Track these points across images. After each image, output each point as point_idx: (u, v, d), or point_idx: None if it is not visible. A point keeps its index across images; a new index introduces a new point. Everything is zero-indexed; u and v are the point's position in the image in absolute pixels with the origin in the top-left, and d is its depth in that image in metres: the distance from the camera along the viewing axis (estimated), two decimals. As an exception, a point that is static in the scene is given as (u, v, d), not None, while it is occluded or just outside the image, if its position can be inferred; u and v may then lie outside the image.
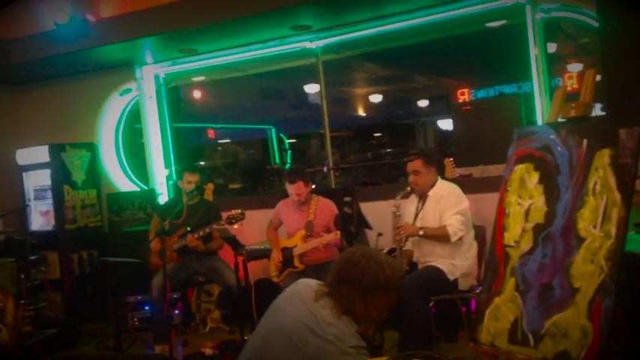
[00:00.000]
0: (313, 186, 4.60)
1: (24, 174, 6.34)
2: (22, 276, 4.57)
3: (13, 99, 7.03)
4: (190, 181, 4.83)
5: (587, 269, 2.11)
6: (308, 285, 2.16)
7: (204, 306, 5.40)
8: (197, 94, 8.75)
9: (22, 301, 4.19)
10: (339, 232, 3.97)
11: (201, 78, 7.15)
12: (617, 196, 2.11)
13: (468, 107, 8.86)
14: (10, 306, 3.62)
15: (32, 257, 5.64)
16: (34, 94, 7.01)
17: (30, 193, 6.37)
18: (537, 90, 4.90)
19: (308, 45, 5.81)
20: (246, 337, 4.23)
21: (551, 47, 5.54)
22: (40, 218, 6.35)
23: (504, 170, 2.80)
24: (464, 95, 10.21)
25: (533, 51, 4.86)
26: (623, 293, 2.01)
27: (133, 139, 6.94)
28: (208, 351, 4.50)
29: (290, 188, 4.39)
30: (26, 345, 4.11)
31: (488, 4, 5.07)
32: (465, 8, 5.14)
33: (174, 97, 6.94)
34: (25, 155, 6.29)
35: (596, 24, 4.55)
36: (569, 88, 7.36)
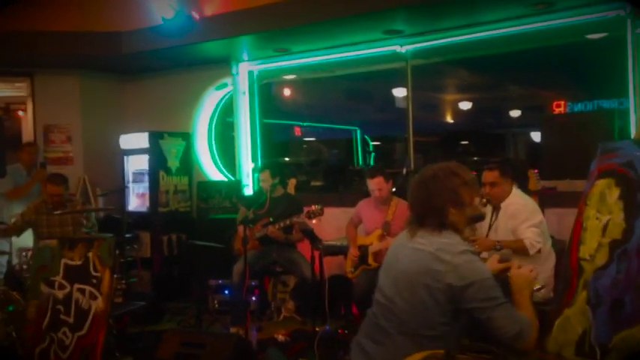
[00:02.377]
0: (394, 189, 4.67)
1: (125, 158, 6.82)
2: (117, 252, 4.96)
3: (121, 88, 7.56)
4: (263, 179, 5.05)
5: (662, 288, 2.09)
6: (400, 236, 2.28)
7: (279, 295, 5.60)
8: (287, 91, 9.01)
9: (116, 275, 4.54)
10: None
11: (292, 77, 7.37)
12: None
13: (561, 119, 8.60)
14: (106, 277, 3.93)
15: (127, 235, 6.05)
16: (138, 84, 7.50)
17: (129, 175, 6.85)
18: (632, 106, 4.74)
19: (398, 49, 5.88)
20: (317, 329, 4.40)
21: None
22: (137, 200, 6.81)
23: (585, 184, 2.78)
24: (559, 107, 9.88)
25: (631, 65, 4.70)
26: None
27: (224, 132, 7.27)
28: (281, 337, 4.69)
29: (370, 183, 4.49)
30: (117, 314, 4.48)
31: (587, 15, 4.96)
32: (564, 19, 5.05)
33: (266, 93, 7.19)
34: (127, 140, 6.75)
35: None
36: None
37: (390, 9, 4.98)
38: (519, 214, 3.84)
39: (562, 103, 9.92)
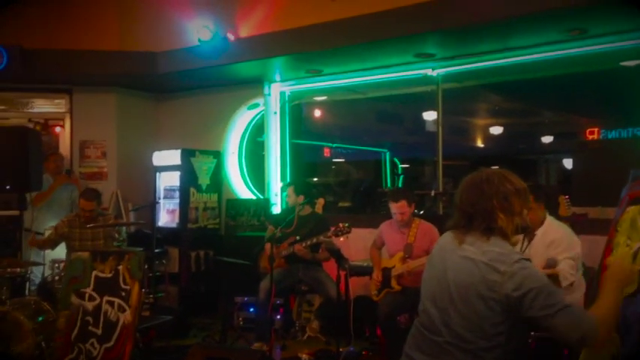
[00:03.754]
0: (421, 211, 4.67)
1: (157, 174, 6.95)
2: (146, 266, 5.04)
3: (155, 106, 7.74)
4: (288, 195, 5.12)
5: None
6: (445, 240, 2.22)
7: (304, 315, 5.60)
8: (317, 112, 9.09)
9: (144, 289, 4.61)
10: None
11: (323, 98, 7.44)
12: None
13: (594, 146, 8.48)
14: (135, 290, 3.99)
15: (157, 250, 6.14)
16: (172, 103, 7.67)
17: (160, 191, 6.97)
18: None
19: (429, 72, 5.91)
20: (341, 349, 4.39)
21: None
22: (167, 215, 6.91)
23: (616, 211, 2.75)
24: (593, 134, 9.75)
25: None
26: None
27: (254, 151, 7.36)
28: (305, 357, 4.68)
29: (393, 207, 4.50)
30: (143, 328, 4.53)
31: (622, 42, 4.93)
32: (598, 45, 5.02)
33: (297, 114, 7.26)
34: (160, 157, 6.88)
35: None
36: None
37: (421, 33, 5.02)
38: (559, 244, 3.73)
39: (596, 130, 9.79)
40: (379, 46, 5.37)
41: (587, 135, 9.92)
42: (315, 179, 9.97)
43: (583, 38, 5.00)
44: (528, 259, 2.03)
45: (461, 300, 2.02)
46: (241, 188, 7.26)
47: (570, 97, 9.37)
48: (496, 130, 12.48)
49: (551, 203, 4.19)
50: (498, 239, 2.06)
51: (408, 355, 2.19)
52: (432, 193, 4.39)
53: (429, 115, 9.68)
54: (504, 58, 5.48)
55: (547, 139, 13.24)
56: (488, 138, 12.71)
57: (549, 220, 3.90)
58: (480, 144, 12.79)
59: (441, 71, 5.88)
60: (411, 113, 10.45)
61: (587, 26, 4.79)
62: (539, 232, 3.84)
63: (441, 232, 4.25)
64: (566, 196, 4.57)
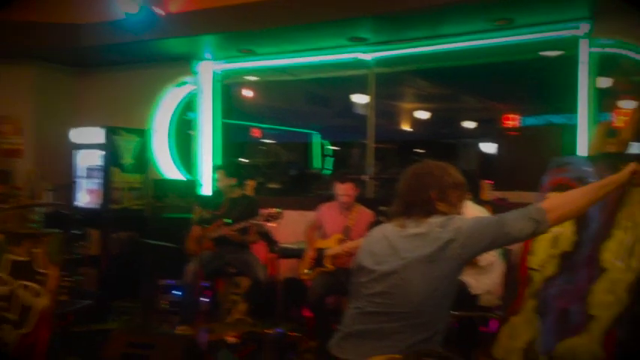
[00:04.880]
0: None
1: (77, 152, 6.64)
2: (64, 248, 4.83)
3: (77, 81, 7.36)
4: (219, 179, 5.03)
5: (606, 299, 2.17)
6: (384, 229, 2.31)
7: (231, 297, 5.55)
8: (248, 93, 8.97)
9: (62, 272, 4.42)
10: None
11: (255, 78, 7.34)
12: (645, 232, 2.16)
13: (514, 132, 8.85)
14: (53, 274, 3.83)
15: (75, 232, 5.90)
16: (95, 78, 7.32)
17: (80, 170, 6.67)
18: (582, 123, 4.91)
19: (362, 56, 5.93)
20: (268, 331, 4.39)
21: (606, 82, 5.54)
22: (88, 195, 6.62)
23: (537, 197, 2.87)
24: (512, 121, 10.16)
25: (584, 84, 4.87)
26: (638, 326, 2.05)
27: (182, 130, 7.18)
28: (231, 339, 4.64)
29: (340, 188, 4.53)
30: (61, 312, 4.36)
31: (544, 33, 5.12)
32: (522, 35, 5.20)
33: (227, 93, 7.13)
34: (79, 134, 6.57)
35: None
36: (620, 124, 7.29)
37: (355, 17, 5.02)
38: None
39: (514, 116, 10.24)
40: (312, 28, 5.34)
41: (506, 121, 10.36)
42: (245, 160, 9.86)
43: (508, 28, 5.17)
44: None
45: (420, 274, 2.09)
46: (168, 168, 7.06)
47: (492, 84, 9.72)
48: (422, 114, 12.79)
49: (473, 187, 4.34)
50: (439, 215, 2.19)
51: (346, 336, 2.20)
52: (367, 177, 4.43)
53: (359, 99, 9.79)
54: (435, 45, 5.57)
55: (469, 125, 13.70)
56: (415, 122, 13.00)
57: (468, 203, 4.05)
58: (406, 127, 13.06)
59: (374, 55, 5.91)
60: (342, 96, 10.51)
61: (513, 16, 4.94)
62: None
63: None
64: (489, 181, 4.75)
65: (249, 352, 4.40)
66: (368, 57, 5.93)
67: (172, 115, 7.09)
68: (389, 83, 8.72)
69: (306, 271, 4.63)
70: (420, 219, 2.17)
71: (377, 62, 5.98)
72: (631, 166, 2.03)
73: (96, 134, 6.42)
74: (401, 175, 2.31)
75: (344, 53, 5.98)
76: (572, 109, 5.23)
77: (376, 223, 3.93)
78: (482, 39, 5.35)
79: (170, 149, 7.11)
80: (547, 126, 9.73)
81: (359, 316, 2.21)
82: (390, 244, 2.21)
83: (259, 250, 4.97)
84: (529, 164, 5.61)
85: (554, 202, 2.15)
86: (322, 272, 4.50)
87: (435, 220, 2.14)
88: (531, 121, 10.60)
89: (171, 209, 6.42)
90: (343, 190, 4.52)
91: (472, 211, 4.01)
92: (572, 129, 5.57)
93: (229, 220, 4.85)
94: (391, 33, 5.60)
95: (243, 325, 5.14)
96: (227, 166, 5.30)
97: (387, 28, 5.45)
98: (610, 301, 2.15)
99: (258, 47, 6.14)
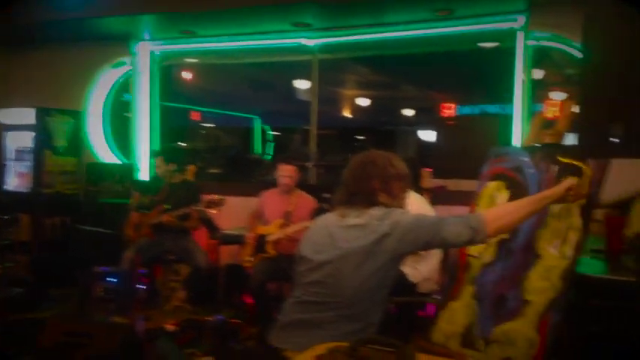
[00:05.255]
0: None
1: (6, 134, 6.34)
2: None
3: (7, 60, 6.99)
4: (157, 165, 4.92)
5: (541, 285, 2.26)
6: (326, 218, 2.31)
7: (170, 284, 5.45)
8: (188, 75, 8.77)
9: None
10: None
11: (195, 60, 7.20)
12: (578, 221, 2.26)
13: (452, 122, 9.06)
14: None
15: (4, 217, 5.64)
16: (27, 57, 6.96)
17: (9, 153, 6.37)
18: (517, 113, 5.08)
19: (305, 42, 5.91)
20: (209, 318, 4.34)
21: (538, 74, 5.74)
22: (17, 179, 6.35)
23: (477, 185, 2.94)
24: (449, 110, 10.39)
25: (520, 76, 5.03)
26: (571, 311, 2.16)
27: (118, 112, 6.96)
28: (170, 327, 4.56)
29: (282, 169, 4.50)
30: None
31: (483, 25, 5.25)
32: (461, 26, 5.31)
33: (166, 75, 6.96)
34: (9, 115, 6.29)
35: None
36: (550, 116, 7.57)
37: (299, 2, 4.99)
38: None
39: (451, 105, 10.49)
40: (255, 12, 5.26)
41: (443, 110, 10.60)
42: (184, 144, 9.67)
43: (448, 19, 5.27)
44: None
45: (356, 265, 2.08)
46: (104, 151, 6.84)
47: (431, 73, 9.90)
48: (363, 101, 12.89)
49: (412, 175, 4.43)
50: (381, 207, 2.18)
51: (285, 326, 2.20)
52: (310, 164, 4.42)
53: (301, 84, 9.76)
54: (377, 33, 5.61)
55: (408, 113, 13.92)
56: (356, 109, 13.09)
57: (409, 192, 4.13)
58: (347, 114, 13.14)
59: (318, 41, 5.90)
60: (284, 81, 10.43)
61: (454, 7, 5.03)
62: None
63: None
64: (428, 169, 4.85)
65: (188, 339, 4.34)
66: (311, 43, 5.91)
67: (108, 96, 6.87)
68: (332, 70, 8.72)
69: (247, 257, 4.59)
70: (362, 209, 2.17)
71: (320, 48, 5.97)
72: (567, 182, 2.09)
73: (26, 115, 6.17)
74: (346, 164, 2.31)
75: (287, 38, 5.94)
76: (506, 99, 5.40)
77: (320, 210, 3.94)
78: (423, 28, 5.44)
79: (106, 132, 6.89)
80: (484, 115, 10.01)
81: (296, 305, 2.21)
82: (329, 233, 2.21)
83: (200, 236, 4.90)
84: (467, 152, 5.77)
85: (495, 213, 2.16)
86: (264, 258, 4.48)
87: (375, 212, 2.14)
88: (467, 110, 10.87)
89: (106, 194, 6.25)
90: (285, 171, 4.50)
91: (413, 200, 4.10)
92: (507, 119, 5.76)
93: (169, 207, 4.75)
94: (335, 19, 5.60)
95: (182, 313, 5.06)
96: (166, 151, 5.17)
97: (331, 14, 5.45)
98: (544, 286, 2.24)
99: (199, 29, 6.01)
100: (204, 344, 4.09)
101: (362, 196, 2.19)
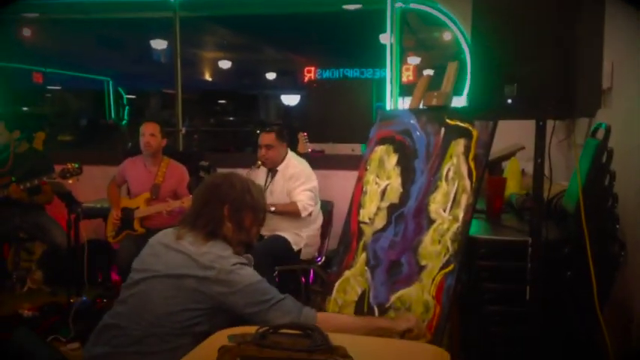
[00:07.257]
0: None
1: None
2: None
3: None
4: (0, 132, 4.38)
5: (434, 249, 2.27)
6: (165, 233, 2.09)
7: (23, 265, 4.93)
8: (27, 32, 7.85)
9: None
10: (187, 199, 3.82)
11: (35, 15, 6.44)
12: (467, 183, 2.28)
13: (315, 85, 9.06)
14: None
15: None
16: None
17: None
18: (390, 77, 5.12)
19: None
20: (72, 300, 3.98)
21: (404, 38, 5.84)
22: None
23: (366, 149, 2.90)
24: (310, 73, 10.40)
25: (390, 39, 5.05)
26: (460, 273, 2.19)
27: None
28: (27, 313, 4.13)
29: (145, 127, 4.12)
30: None
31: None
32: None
33: (3, 32, 6.21)
34: None
35: (447, 21, 4.91)
36: (404, 80, 7.82)
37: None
38: (297, 178, 3.92)
39: (312, 69, 10.52)
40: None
41: (305, 73, 10.60)
42: (27, 109, 8.71)
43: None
44: (246, 264, 1.98)
45: (168, 290, 1.90)
46: None
47: (292, 36, 9.82)
48: (224, 64, 12.52)
49: (292, 140, 4.35)
50: (219, 242, 1.98)
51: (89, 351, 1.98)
52: (183, 130, 4.11)
53: (158, 44, 9.18)
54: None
55: (270, 76, 13.81)
56: (217, 72, 12.70)
57: (290, 155, 4.09)
58: (208, 77, 12.70)
59: (179, -3, 5.51)
60: (138, 41, 9.74)
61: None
62: (280, 168, 4.02)
63: (189, 169, 4.08)
64: (305, 134, 4.77)
65: (50, 324, 3.93)
66: (172, -2, 5.51)
67: None
68: (190, 29, 8.29)
69: (112, 234, 4.22)
70: (200, 239, 1.96)
71: (181, 5, 5.57)
72: (409, 323, 2.02)
73: None
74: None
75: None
76: (369, 64, 5.46)
77: (197, 179, 3.69)
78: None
79: None
80: (352, 80, 10.13)
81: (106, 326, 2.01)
82: (155, 252, 2.03)
83: (57, 210, 4.43)
84: (337, 117, 5.78)
85: (330, 321, 1.96)
86: (131, 235, 4.14)
87: (210, 250, 1.93)
88: (327, 74, 10.97)
89: None
90: (148, 128, 4.11)
91: (297, 162, 4.03)
92: (374, 83, 5.84)
93: (15, 179, 4.22)
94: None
95: (40, 296, 4.59)
96: (7, 117, 4.58)
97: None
98: (438, 250, 2.25)
99: (42, -22, 5.34)
100: (69, 329, 3.72)
101: (205, 221, 1.99)
